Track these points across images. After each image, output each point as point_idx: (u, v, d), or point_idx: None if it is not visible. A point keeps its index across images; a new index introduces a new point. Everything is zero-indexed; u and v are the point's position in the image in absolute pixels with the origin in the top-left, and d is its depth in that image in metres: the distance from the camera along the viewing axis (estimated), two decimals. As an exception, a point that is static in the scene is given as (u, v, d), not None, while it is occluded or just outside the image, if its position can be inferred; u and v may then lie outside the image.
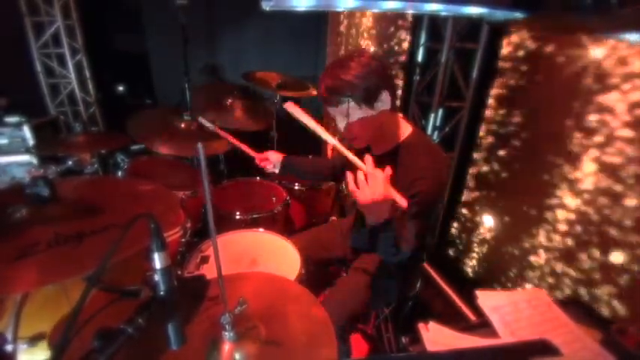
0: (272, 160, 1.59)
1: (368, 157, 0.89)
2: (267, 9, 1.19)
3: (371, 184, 0.85)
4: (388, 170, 0.88)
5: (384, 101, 1.05)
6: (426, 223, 1.09)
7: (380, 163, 1.20)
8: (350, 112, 1.04)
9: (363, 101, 1.02)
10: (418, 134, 1.16)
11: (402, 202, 0.89)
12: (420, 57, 2.13)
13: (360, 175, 0.87)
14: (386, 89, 1.04)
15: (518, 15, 1.28)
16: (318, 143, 3.82)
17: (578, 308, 0.88)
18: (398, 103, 1.97)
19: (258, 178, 2.12)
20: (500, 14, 1.30)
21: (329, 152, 3.15)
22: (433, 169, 1.07)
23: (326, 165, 1.64)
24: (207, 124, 1.62)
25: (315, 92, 2.67)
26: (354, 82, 1.00)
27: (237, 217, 1.73)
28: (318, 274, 1.53)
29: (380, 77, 1.03)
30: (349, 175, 0.89)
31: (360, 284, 1.32)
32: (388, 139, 1.15)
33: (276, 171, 1.61)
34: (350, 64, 1.01)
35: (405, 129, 1.15)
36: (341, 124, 1.08)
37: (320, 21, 3.50)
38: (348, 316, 1.26)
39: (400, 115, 1.18)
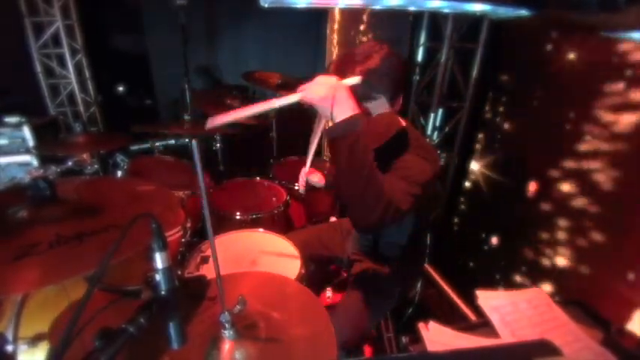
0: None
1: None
2: (266, 6, 1.20)
3: (315, 81, 0.88)
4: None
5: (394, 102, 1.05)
6: (416, 189, 0.93)
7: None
8: (373, 110, 1.02)
9: (390, 99, 1.01)
10: (410, 128, 1.12)
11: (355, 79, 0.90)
12: (419, 57, 2.13)
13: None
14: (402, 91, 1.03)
15: (522, 12, 1.26)
16: (319, 144, 3.81)
17: (579, 308, 0.88)
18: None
19: (258, 178, 2.12)
20: (503, 11, 1.29)
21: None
22: (419, 148, 1.02)
23: None
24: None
25: None
26: (386, 73, 0.96)
27: (237, 217, 1.73)
28: (319, 273, 1.53)
29: (402, 74, 1.01)
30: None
31: (359, 305, 1.24)
32: (383, 135, 1.08)
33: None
34: (374, 55, 0.97)
35: (399, 123, 1.13)
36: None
37: (319, 21, 3.49)
38: (356, 339, 1.22)
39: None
